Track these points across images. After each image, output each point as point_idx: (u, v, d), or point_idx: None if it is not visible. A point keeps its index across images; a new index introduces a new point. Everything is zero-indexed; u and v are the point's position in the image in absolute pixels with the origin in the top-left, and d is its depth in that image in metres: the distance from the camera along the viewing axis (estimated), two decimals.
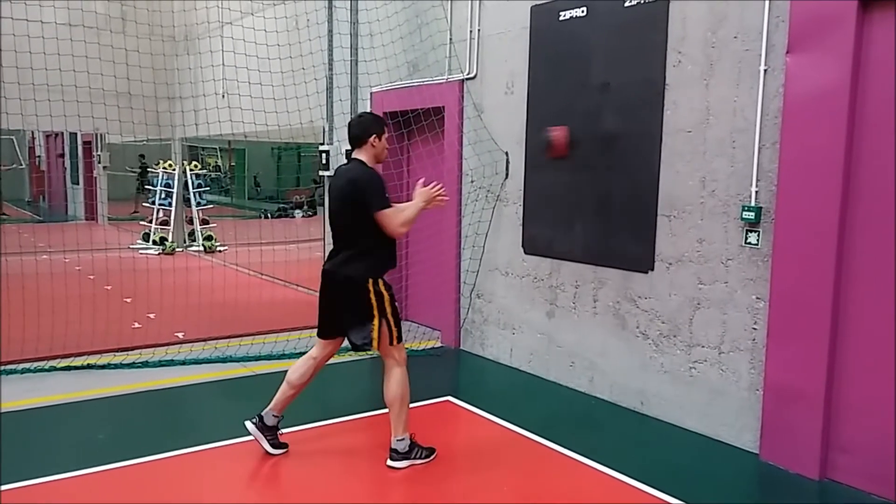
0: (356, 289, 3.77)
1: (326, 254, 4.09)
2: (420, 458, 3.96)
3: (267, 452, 4.00)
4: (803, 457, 3.89)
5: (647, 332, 4.79)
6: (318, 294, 3.99)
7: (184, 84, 10.76)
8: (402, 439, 3.91)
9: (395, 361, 3.88)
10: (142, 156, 17.95)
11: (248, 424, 4.00)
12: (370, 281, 3.77)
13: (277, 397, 4.01)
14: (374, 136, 3.87)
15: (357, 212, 3.74)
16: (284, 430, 4.10)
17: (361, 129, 3.90)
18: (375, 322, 3.77)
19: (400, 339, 3.89)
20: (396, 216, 3.73)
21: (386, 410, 3.95)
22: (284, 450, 4.05)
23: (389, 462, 3.91)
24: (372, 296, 3.76)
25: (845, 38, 3.63)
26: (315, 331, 4.06)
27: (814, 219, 3.78)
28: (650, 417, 4.75)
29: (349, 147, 4.01)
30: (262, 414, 4.00)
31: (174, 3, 10.79)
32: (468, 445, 4.38)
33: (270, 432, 4.01)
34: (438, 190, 3.88)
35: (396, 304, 3.88)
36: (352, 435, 4.42)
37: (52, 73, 6.61)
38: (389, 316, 3.81)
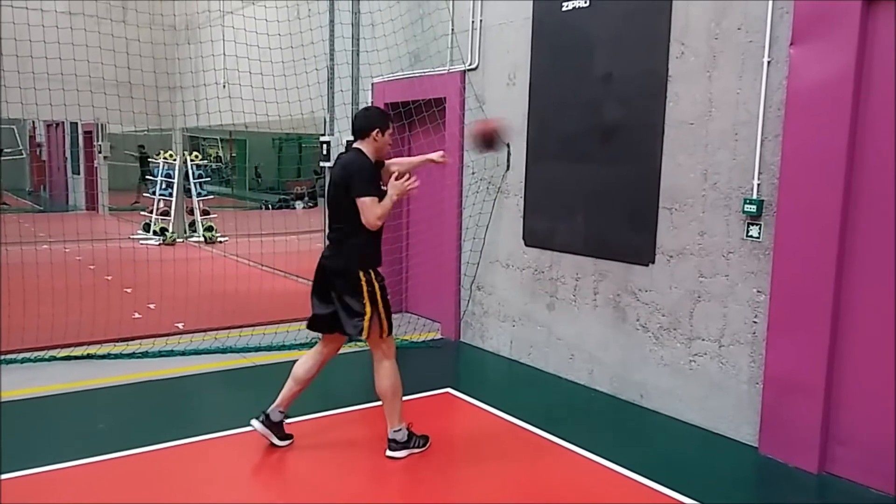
0: (349, 279, 3.77)
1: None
2: (418, 446, 3.98)
3: (274, 444, 4.00)
4: (802, 450, 3.89)
5: (647, 324, 4.78)
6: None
7: (184, 74, 10.72)
8: (399, 430, 3.93)
9: (384, 354, 3.88)
10: (141, 146, 17.91)
11: (255, 423, 3.97)
12: (362, 271, 3.77)
13: (283, 394, 4.01)
14: (378, 130, 3.86)
15: (348, 197, 3.74)
16: (287, 422, 4.09)
17: (367, 121, 3.89)
18: (367, 312, 3.75)
19: (390, 333, 3.88)
20: (375, 207, 3.70)
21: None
22: (290, 440, 4.06)
23: (388, 452, 3.92)
24: (364, 286, 3.76)
25: (850, 30, 3.61)
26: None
27: (816, 212, 3.77)
28: (650, 410, 4.75)
29: (350, 137, 3.99)
30: (268, 412, 3.99)
31: None
32: (467, 437, 4.39)
33: (277, 427, 4.02)
34: (410, 183, 3.84)
35: (389, 296, 3.88)
36: (352, 426, 4.43)
37: (53, 61, 6.57)
38: (381, 308, 3.80)
